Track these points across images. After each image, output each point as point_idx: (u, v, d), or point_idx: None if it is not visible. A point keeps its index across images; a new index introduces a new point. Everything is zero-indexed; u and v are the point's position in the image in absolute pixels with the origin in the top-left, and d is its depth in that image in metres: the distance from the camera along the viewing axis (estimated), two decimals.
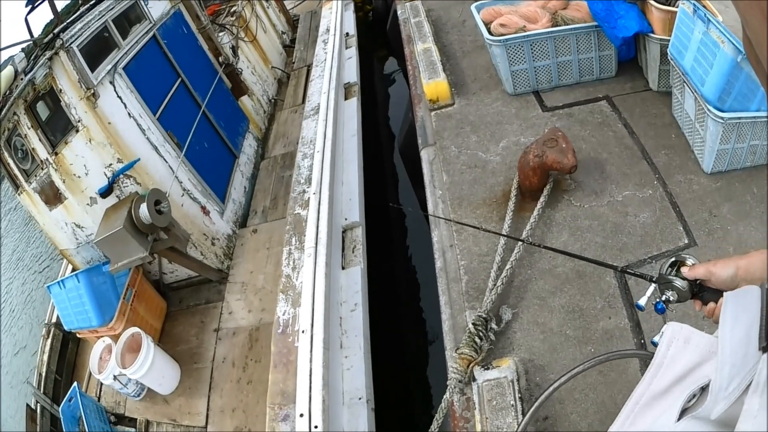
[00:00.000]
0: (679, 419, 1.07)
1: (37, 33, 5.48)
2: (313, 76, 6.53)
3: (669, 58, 4.12)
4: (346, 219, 4.64)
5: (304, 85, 8.52)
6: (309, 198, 4.32)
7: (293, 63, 10.02)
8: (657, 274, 1.66)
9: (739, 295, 1.09)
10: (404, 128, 7.13)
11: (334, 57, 6.68)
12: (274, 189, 6.61)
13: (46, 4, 5.85)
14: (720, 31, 3.36)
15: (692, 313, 2.92)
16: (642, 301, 1.68)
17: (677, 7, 3.97)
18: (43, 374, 5.52)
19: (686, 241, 3.47)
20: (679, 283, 1.56)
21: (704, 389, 1.06)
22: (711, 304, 1.48)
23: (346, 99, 6.50)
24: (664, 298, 1.60)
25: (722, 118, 3.48)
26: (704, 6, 3.76)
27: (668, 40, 4.12)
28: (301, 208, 4.32)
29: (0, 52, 4.92)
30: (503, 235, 3.62)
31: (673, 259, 1.64)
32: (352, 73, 7.14)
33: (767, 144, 3.67)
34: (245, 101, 7.75)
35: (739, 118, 3.49)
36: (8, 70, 4.58)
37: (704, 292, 1.53)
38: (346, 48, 7.88)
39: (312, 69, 6.83)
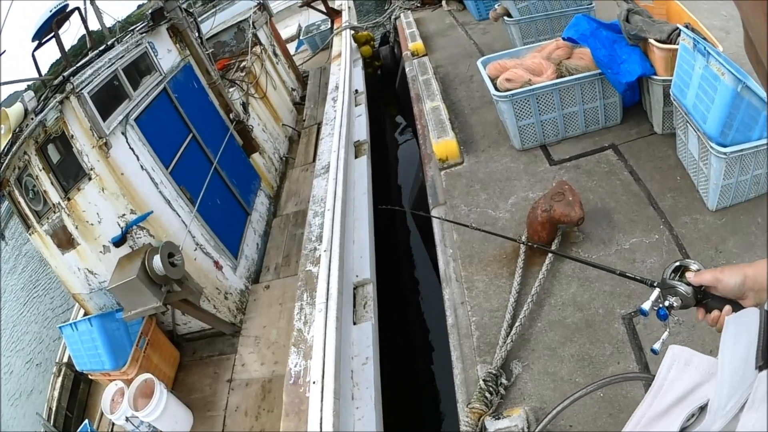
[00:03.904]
0: None
1: (43, 71, 5.73)
2: (323, 135, 6.84)
3: (672, 98, 4.31)
4: (357, 276, 4.88)
5: (314, 143, 8.85)
6: (320, 255, 4.55)
7: (304, 120, 10.39)
8: (660, 279, 1.66)
9: (740, 318, 1.16)
10: (415, 187, 7.37)
11: (343, 115, 7.03)
12: (287, 246, 6.86)
13: (52, 42, 6.12)
14: (720, 63, 3.47)
15: (697, 341, 3.07)
16: (645, 306, 1.66)
17: (678, 44, 4.13)
18: (53, 409, 5.75)
19: None
20: (683, 288, 1.54)
21: (703, 408, 1.12)
22: (715, 312, 1.48)
23: (356, 157, 6.82)
24: (667, 303, 1.59)
25: (724, 153, 3.66)
26: (704, 38, 3.95)
27: (671, 80, 4.31)
28: (313, 265, 4.54)
29: (6, 85, 5.17)
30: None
31: (677, 263, 1.62)
32: (362, 130, 7.48)
33: None
34: (257, 158, 8.05)
35: (741, 150, 3.66)
36: (18, 107, 4.86)
37: (709, 300, 1.52)
38: (356, 105, 8.27)
39: (322, 127, 7.14)
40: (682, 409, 1.15)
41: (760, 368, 0.96)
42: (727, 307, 1.45)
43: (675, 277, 1.61)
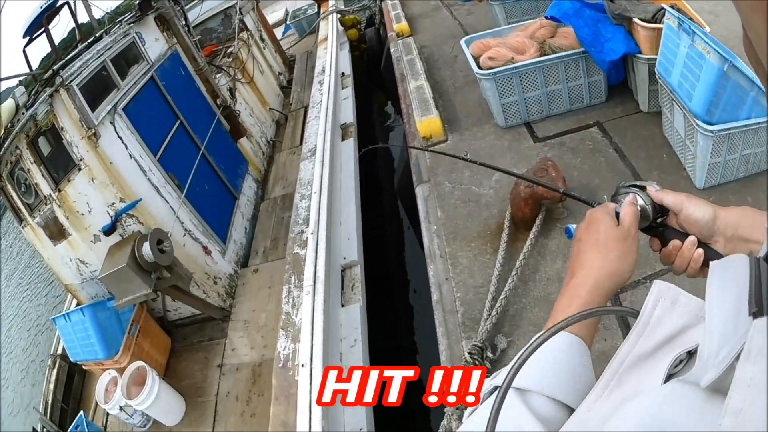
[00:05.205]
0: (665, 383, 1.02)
1: (34, 65, 5.76)
2: (309, 118, 6.84)
3: (657, 77, 4.29)
4: (344, 258, 4.91)
5: (301, 127, 8.79)
6: (307, 238, 4.57)
7: (290, 104, 10.38)
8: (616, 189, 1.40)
9: (726, 263, 1.03)
10: (400, 166, 7.37)
11: (329, 98, 7.01)
12: (275, 230, 6.90)
13: (43, 37, 6.14)
14: (705, 42, 3.43)
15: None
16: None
17: (663, 23, 4.09)
18: (49, 402, 5.83)
19: None
20: (641, 201, 1.31)
21: (691, 354, 1.02)
22: (675, 243, 1.30)
23: (343, 140, 6.82)
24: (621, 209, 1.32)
25: (711, 131, 3.63)
26: (691, 18, 3.92)
27: (656, 59, 4.28)
28: (300, 248, 4.56)
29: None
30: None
31: (635, 182, 1.35)
32: (348, 113, 7.48)
33: (764, 150, 3.80)
34: (244, 143, 8.08)
35: (729, 128, 3.62)
36: (9, 104, 4.93)
37: (667, 229, 1.32)
38: (342, 88, 8.23)
39: (309, 110, 7.14)
40: (668, 351, 1.05)
41: (754, 315, 0.86)
42: (692, 238, 1.27)
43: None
